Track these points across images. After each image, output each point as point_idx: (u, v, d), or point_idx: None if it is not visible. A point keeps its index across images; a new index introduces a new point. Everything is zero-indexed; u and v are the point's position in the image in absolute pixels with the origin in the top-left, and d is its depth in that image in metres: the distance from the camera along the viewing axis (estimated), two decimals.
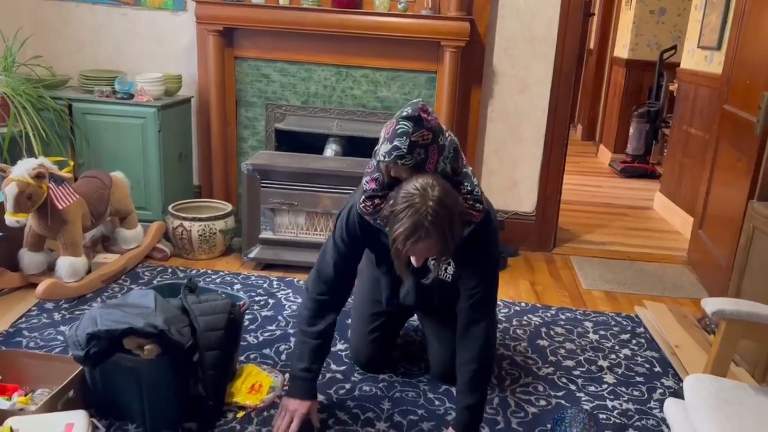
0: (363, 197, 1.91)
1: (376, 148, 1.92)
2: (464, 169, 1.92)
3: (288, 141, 3.58)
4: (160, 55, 3.67)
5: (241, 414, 2.05)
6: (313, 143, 3.54)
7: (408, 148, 1.74)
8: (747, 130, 2.94)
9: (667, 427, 2.14)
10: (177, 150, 3.56)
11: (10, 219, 2.54)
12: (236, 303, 2.10)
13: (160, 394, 1.90)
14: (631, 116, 5.99)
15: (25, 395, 1.92)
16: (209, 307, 1.96)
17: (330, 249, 2.02)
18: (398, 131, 1.75)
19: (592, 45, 7.52)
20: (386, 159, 1.77)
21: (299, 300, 2.89)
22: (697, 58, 4.36)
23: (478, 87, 3.50)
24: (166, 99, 3.43)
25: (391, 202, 1.75)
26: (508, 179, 3.72)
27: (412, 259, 1.79)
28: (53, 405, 1.85)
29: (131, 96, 3.36)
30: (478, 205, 1.86)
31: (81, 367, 1.97)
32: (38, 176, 2.56)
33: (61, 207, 2.65)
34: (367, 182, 1.91)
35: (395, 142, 1.76)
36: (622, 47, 6.48)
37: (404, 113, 1.77)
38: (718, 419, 1.37)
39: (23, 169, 2.54)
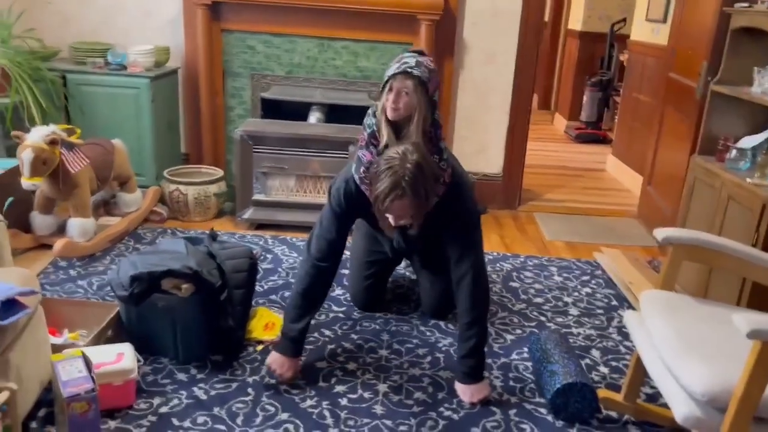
0: (362, 168, 2.08)
1: (365, 121, 2.12)
2: (441, 143, 2.11)
3: (273, 109, 3.81)
4: (146, 27, 3.81)
5: (260, 347, 2.34)
6: (297, 111, 3.78)
7: (415, 63, 1.97)
8: (689, 94, 3.33)
9: (624, 347, 2.53)
10: (167, 119, 3.75)
11: (26, 183, 2.72)
12: (252, 250, 2.37)
13: (192, 330, 2.17)
14: (585, 85, 6.40)
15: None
16: (232, 253, 2.23)
17: (329, 217, 2.17)
18: (406, 55, 2.01)
19: (547, 18, 7.87)
20: (395, 71, 1.95)
21: (294, 255, 3.16)
22: (645, 30, 4.76)
23: (450, 58, 3.80)
24: (156, 70, 3.61)
25: (375, 166, 1.97)
26: (477, 144, 4.05)
27: (390, 218, 2.01)
28: (98, 341, 2.09)
29: (124, 67, 3.53)
30: (444, 175, 2.07)
31: (117, 310, 2.22)
32: (52, 142, 2.74)
33: (72, 171, 2.84)
34: (363, 155, 2.10)
35: (403, 60, 1.99)
36: (575, 20, 6.86)
37: (409, 50, 2.05)
38: (667, 319, 1.73)
39: (37, 136, 2.72)
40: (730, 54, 2.78)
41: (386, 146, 2.04)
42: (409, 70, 1.96)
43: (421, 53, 2.06)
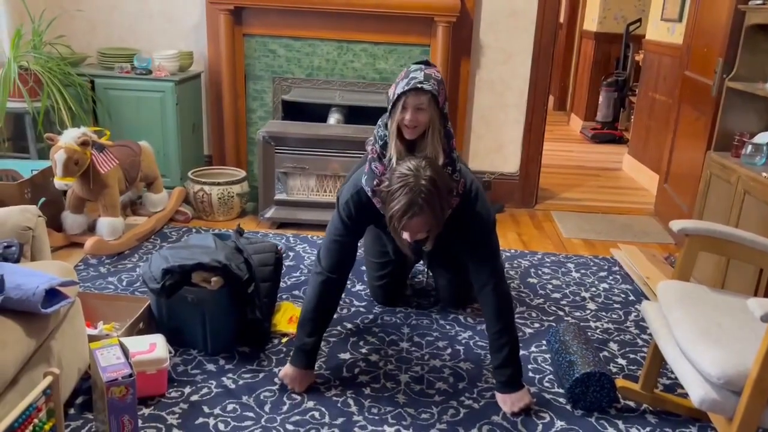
0: (376, 180, 2.04)
1: (375, 132, 2.07)
2: (453, 153, 2.07)
3: (294, 111, 3.89)
4: (170, 33, 3.92)
5: (285, 339, 2.41)
6: (317, 113, 3.86)
7: (424, 77, 1.91)
8: (704, 92, 3.36)
9: (641, 339, 2.57)
10: (190, 121, 3.85)
11: (59, 182, 2.83)
12: (277, 246, 2.45)
13: (220, 322, 2.24)
14: (600, 86, 6.42)
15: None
16: (259, 248, 2.30)
17: (339, 228, 2.13)
18: (411, 69, 1.96)
19: (562, 19, 7.91)
20: (406, 88, 1.89)
21: (315, 252, 3.23)
22: (661, 30, 4.78)
23: (467, 58, 3.86)
24: (180, 74, 3.71)
25: (386, 183, 1.92)
26: (494, 143, 4.10)
27: (405, 235, 1.94)
28: (130, 333, 2.18)
29: (149, 72, 3.63)
30: (457, 186, 2.05)
31: (147, 303, 2.30)
32: (83, 144, 2.84)
33: (103, 172, 2.93)
34: (376, 167, 2.05)
35: (411, 75, 1.91)
36: (590, 20, 6.88)
37: (413, 63, 2.01)
38: (683, 307, 1.77)
39: (70, 137, 2.82)
40: (745, 51, 2.82)
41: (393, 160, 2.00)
42: (419, 85, 1.90)
43: (426, 64, 2.00)
